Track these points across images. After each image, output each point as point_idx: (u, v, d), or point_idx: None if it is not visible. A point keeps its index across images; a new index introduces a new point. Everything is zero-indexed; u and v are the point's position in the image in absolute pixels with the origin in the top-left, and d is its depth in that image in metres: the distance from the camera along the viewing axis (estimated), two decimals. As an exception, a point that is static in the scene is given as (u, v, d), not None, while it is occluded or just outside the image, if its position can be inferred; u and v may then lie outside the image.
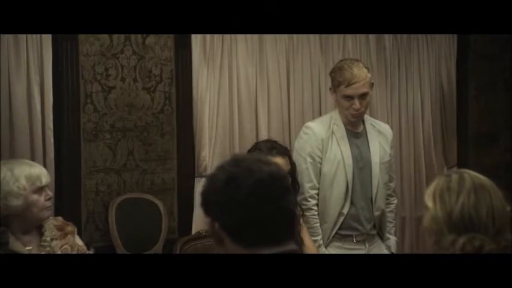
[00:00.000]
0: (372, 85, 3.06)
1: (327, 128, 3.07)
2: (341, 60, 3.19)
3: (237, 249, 1.48)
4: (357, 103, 2.98)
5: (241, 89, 4.40)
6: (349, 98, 2.99)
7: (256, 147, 2.86)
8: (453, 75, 4.92)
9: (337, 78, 3.00)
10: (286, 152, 2.86)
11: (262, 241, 1.48)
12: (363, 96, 2.99)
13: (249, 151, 2.88)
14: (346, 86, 2.97)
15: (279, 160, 2.74)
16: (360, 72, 2.98)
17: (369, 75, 3.03)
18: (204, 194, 1.56)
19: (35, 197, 2.37)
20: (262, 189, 1.48)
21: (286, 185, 1.56)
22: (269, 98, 4.46)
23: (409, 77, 4.83)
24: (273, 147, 2.82)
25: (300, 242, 2.64)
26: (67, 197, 4.03)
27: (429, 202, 1.68)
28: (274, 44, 4.46)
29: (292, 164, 2.87)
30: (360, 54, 4.64)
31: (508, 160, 4.98)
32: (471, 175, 1.69)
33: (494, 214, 1.62)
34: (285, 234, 1.51)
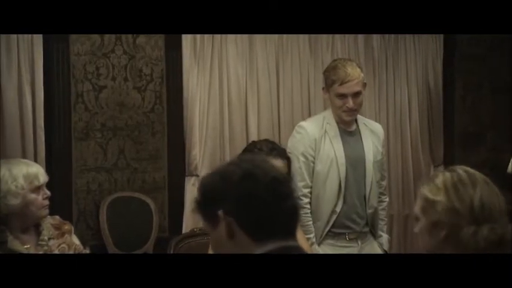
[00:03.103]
0: (364, 85, 3.10)
1: (320, 127, 3.09)
2: (334, 60, 3.23)
3: (248, 242, 1.52)
4: (350, 102, 3.01)
5: (231, 89, 4.43)
6: (343, 96, 3.02)
7: (256, 146, 2.82)
8: (440, 75, 4.98)
9: (331, 77, 3.04)
10: (285, 155, 2.85)
11: (272, 235, 1.52)
12: (356, 94, 3.02)
13: (246, 149, 2.85)
14: (340, 85, 3.00)
15: (279, 162, 2.72)
16: (354, 71, 3.02)
17: (362, 74, 3.07)
18: (215, 189, 1.57)
19: (32, 195, 2.38)
20: (278, 186, 1.55)
21: (292, 185, 1.64)
22: (259, 97, 4.50)
23: (397, 76, 4.88)
24: (274, 148, 2.81)
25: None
26: (58, 195, 4.02)
27: (439, 196, 1.68)
28: (264, 44, 4.50)
29: (289, 167, 2.86)
30: (349, 54, 4.69)
31: (494, 159, 5.06)
32: (473, 170, 1.74)
33: (502, 205, 1.68)
34: (291, 230, 1.57)
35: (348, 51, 4.70)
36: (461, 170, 1.73)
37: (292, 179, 2.81)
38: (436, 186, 1.70)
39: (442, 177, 1.71)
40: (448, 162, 4.93)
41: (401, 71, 4.88)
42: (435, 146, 5.01)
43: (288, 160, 2.84)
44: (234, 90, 4.44)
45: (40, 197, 2.41)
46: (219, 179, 1.57)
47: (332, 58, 4.61)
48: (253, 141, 2.97)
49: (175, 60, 4.35)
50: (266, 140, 2.92)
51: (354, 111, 3.07)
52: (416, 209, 1.75)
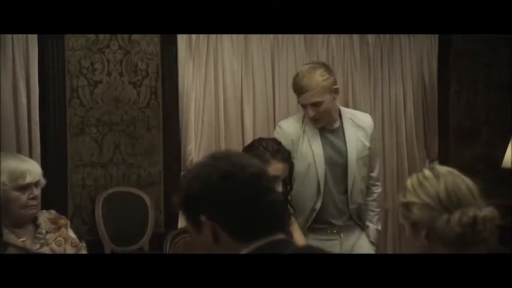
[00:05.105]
0: (331, 91, 2.98)
1: (298, 127, 3.06)
2: (305, 64, 3.20)
3: (233, 243, 1.49)
4: (310, 112, 2.97)
5: (227, 85, 4.44)
6: (303, 106, 3.00)
7: (262, 144, 2.73)
8: (435, 70, 5.00)
9: (292, 86, 3.03)
10: (288, 159, 2.76)
11: (258, 233, 1.50)
12: (314, 104, 2.96)
13: (252, 145, 2.78)
14: (298, 96, 3.00)
15: (281, 166, 2.68)
16: (310, 82, 2.94)
17: (324, 83, 2.95)
18: (194, 195, 1.52)
19: (15, 193, 2.30)
20: (258, 182, 1.51)
21: (272, 179, 1.60)
22: (254, 93, 4.50)
23: (392, 72, 4.89)
24: (279, 150, 2.72)
25: (290, 235, 2.65)
26: (53, 191, 4.01)
27: (410, 198, 1.76)
28: (260, 40, 4.50)
29: (291, 171, 2.79)
30: (344, 50, 4.71)
31: (489, 154, 5.09)
32: (440, 166, 1.82)
33: (472, 190, 1.74)
34: (277, 225, 1.55)
35: (343, 48, 4.72)
36: (427, 169, 1.82)
37: (283, 182, 2.74)
38: (407, 190, 1.78)
39: (410, 180, 1.80)
40: (443, 157, 4.97)
41: (397, 67, 4.90)
42: (430, 141, 5.03)
43: (290, 164, 2.77)
44: (230, 85, 4.44)
45: (25, 197, 2.32)
46: (196, 184, 1.52)
47: (327, 54, 4.67)
48: (260, 138, 2.87)
49: (171, 56, 4.35)
50: (273, 140, 2.82)
51: (319, 119, 3.01)
52: (400, 218, 1.82)
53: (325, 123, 3.06)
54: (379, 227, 3.24)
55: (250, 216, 1.50)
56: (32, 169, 2.36)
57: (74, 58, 4.15)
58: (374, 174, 3.24)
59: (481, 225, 1.69)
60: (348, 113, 3.16)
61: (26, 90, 3.95)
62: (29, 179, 2.33)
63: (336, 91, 3.03)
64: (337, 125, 3.09)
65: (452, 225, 1.69)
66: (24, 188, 2.33)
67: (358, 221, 3.14)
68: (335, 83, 3.02)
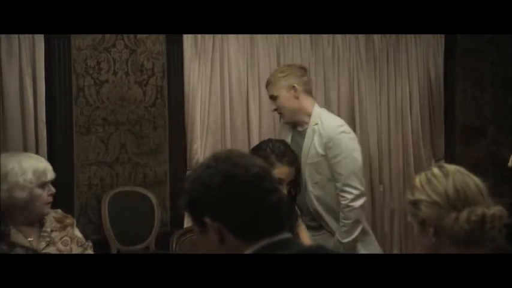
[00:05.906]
0: (288, 88, 3.10)
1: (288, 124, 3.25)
2: None
3: (239, 244, 1.50)
4: (271, 105, 3.23)
5: (233, 83, 4.44)
6: None
7: (269, 145, 2.71)
8: (441, 69, 5.00)
9: None
10: (294, 163, 2.73)
11: (262, 233, 1.51)
12: (272, 97, 3.18)
13: (259, 146, 2.77)
14: None
15: (286, 169, 2.66)
16: (271, 77, 3.20)
17: (280, 78, 3.12)
18: (198, 198, 1.53)
19: (39, 191, 2.36)
20: (260, 182, 1.52)
21: (275, 178, 1.61)
22: (260, 92, 4.50)
23: (398, 71, 4.89)
24: (285, 153, 2.69)
25: (296, 237, 2.64)
26: (60, 190, 3.98)
27: (418, 195, 1.75)
28: (265, 39, 4.51)
29: (297, 174, 2.75)
30: (350, 49, 4.71)
31: (495, 153, 5.07)
32: (449, 164, 1.81)
33: (480, 189, 1.73)
34: (282, 224, 1.55)
35: (348, 47, 4.72)
36: (435, 167, 1.81)
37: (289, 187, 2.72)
38: (415, 187, 1.77)
39: (418, 177, 1.80)
40: (449, 155, 4.96)
41: (403, 65, 4.89)
42: (436, 140, 5.02)
43: (296, 167, 2.75)
44: (235, 84, 4.45)
45: (45, 193, 2.39)
46: (199, 186, 1.53)
47: (333, 53, 4.67)
48: (269, 139, 2.85)
49: (177, 55, 4.36)
50: (281, 142, 2.81)
51: (281, 115, 3.19)
52: (408, 216, 1.81)
53: (288, 120, 3.21)
54: (344, 240, 3.07)
55: (255, 217, 1.50)
56: (49, 167, 2.44)
57: (80, 57, 4.17)
58: (338, 184, 3.09)
59: (490, 223, 1.68)
60: (318, 117, 3.13)
61: (33, 89, 3.98)
62: (49, 176, 2.41)
63: (294, 89, 3.11)
64: (303, 128, 3.16)
65: (460, 224, 1.68)
66: (45, 185, 2.40)
67: (324, 225, 3.12)
68: (298, 82, 3.12)
